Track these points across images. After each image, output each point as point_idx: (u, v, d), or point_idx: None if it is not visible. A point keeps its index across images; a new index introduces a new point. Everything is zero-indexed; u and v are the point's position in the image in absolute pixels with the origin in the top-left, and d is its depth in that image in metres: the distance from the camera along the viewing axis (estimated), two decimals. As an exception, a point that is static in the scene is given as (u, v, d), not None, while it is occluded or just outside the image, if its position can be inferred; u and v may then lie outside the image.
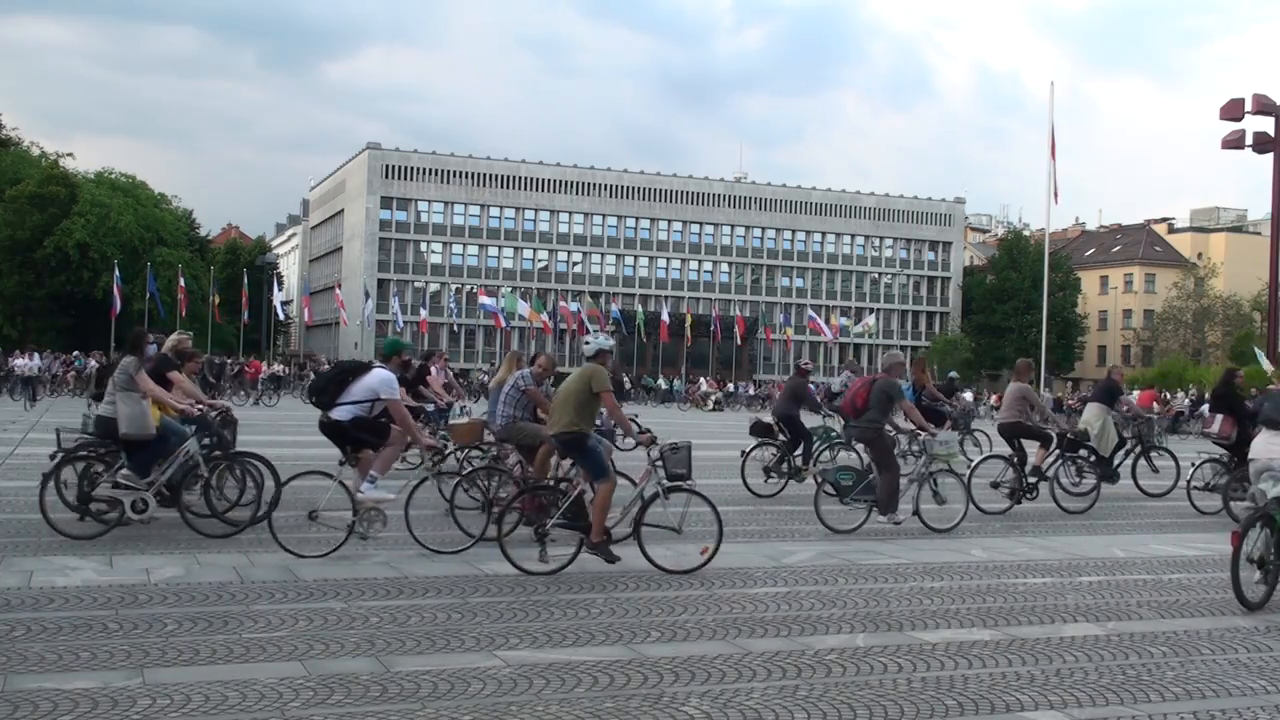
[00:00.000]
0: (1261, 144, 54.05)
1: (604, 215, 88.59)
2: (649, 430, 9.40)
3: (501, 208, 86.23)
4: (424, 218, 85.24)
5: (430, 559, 8.99)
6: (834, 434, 16.31)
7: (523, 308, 72.21)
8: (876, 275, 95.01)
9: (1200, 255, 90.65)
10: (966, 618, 7.51)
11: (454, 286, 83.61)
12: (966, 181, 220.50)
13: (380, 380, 9.52)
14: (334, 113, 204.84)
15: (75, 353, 48.50)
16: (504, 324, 73.65)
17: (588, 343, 9.42)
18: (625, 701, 5.38)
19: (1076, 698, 5.70)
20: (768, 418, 16.01)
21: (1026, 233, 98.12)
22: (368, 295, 70.92)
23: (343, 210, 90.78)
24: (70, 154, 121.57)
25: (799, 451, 15.01)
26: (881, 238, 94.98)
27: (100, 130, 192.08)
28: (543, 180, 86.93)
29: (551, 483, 9.30)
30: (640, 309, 77.46)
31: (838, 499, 11.47)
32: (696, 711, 5.25)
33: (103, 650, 5.92)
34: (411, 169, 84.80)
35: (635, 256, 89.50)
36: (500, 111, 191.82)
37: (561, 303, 78.06)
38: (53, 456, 11.16)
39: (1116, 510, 14.07)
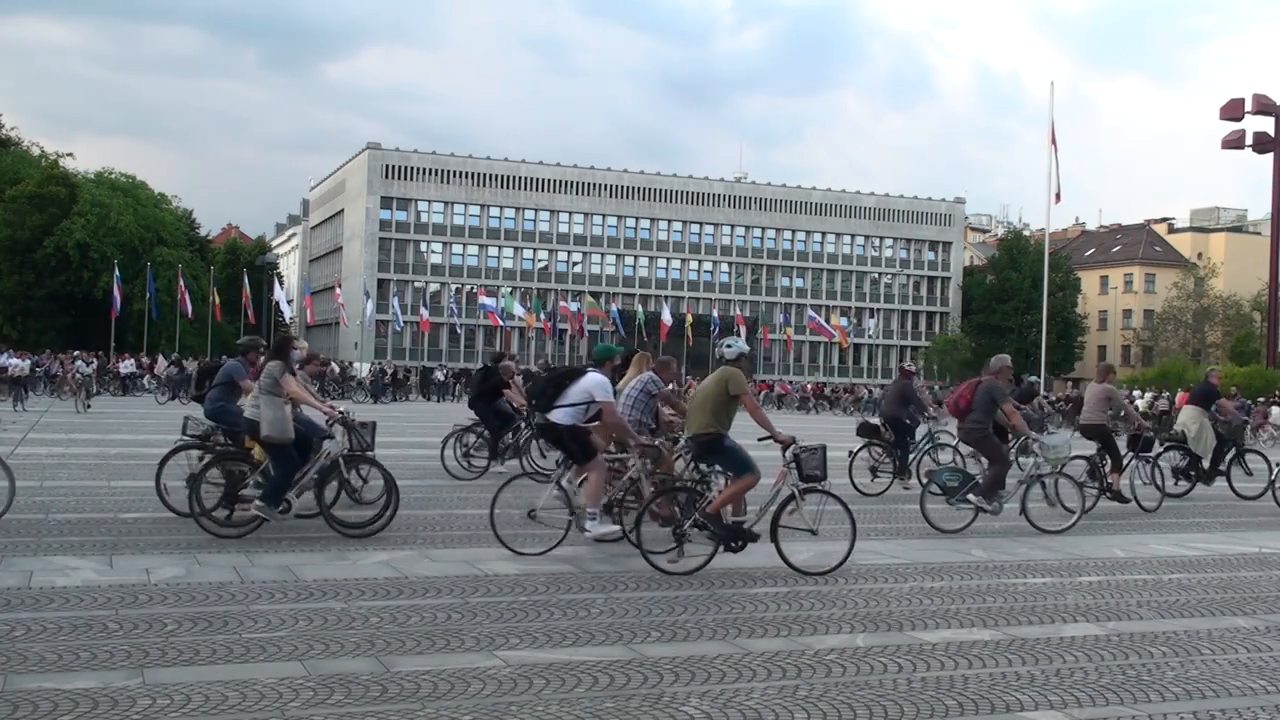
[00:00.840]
0: (1261, 144, 54.00)
1: (604, 215, 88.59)
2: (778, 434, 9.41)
3: (501, 208, 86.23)
4: (424, 218, 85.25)
5: (431, 559, 8.99)
6: (939, 436, 16.86)
7: (519, 310, 72.20)
8: (876, 275, 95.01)
9: (1200, 255, 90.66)
10: (966, 618, 7.51)
11: (454, 286, 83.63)
12: (966, 181, 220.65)
13: (595, 383, 9.75)
14: (334, 113, 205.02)
15: (76, 352, 48.48)
16: (501, 323, 73.65)
17: (729, 345, 9.51)
18: (625, 701, 5.38)
19: (1076, 698, 5.70)
20: (874, 419, 16.71)
21: (1026, 233, 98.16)
22: (368, 295, 70.91)
23: (343, 210, 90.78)
24: (70, 154, 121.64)
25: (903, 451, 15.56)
26: (881, 238, 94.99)
27: (100, 130, 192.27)
28: (543, 180, 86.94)
29: (691, 484, 9.44)
30: (640, 309, 77.48)
31: (944, 499, 11.68)
32: (696, 711, 5.25)
33: (103, 650, 5.92)
34: (411, 169, 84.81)
35: (635, 256, 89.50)
36: (500, 111, 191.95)
37: (562, 303, 78.12)
38: (171, 453, 11.46)
39: (1117, 510, 14.06)
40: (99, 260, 66.35)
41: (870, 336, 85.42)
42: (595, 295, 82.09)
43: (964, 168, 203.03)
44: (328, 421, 10.62)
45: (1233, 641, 7.10)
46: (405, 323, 77.93)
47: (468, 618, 6.97)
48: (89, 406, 31.52)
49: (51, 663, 5.68)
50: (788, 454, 9.06)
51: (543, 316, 77.48)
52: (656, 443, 10.46)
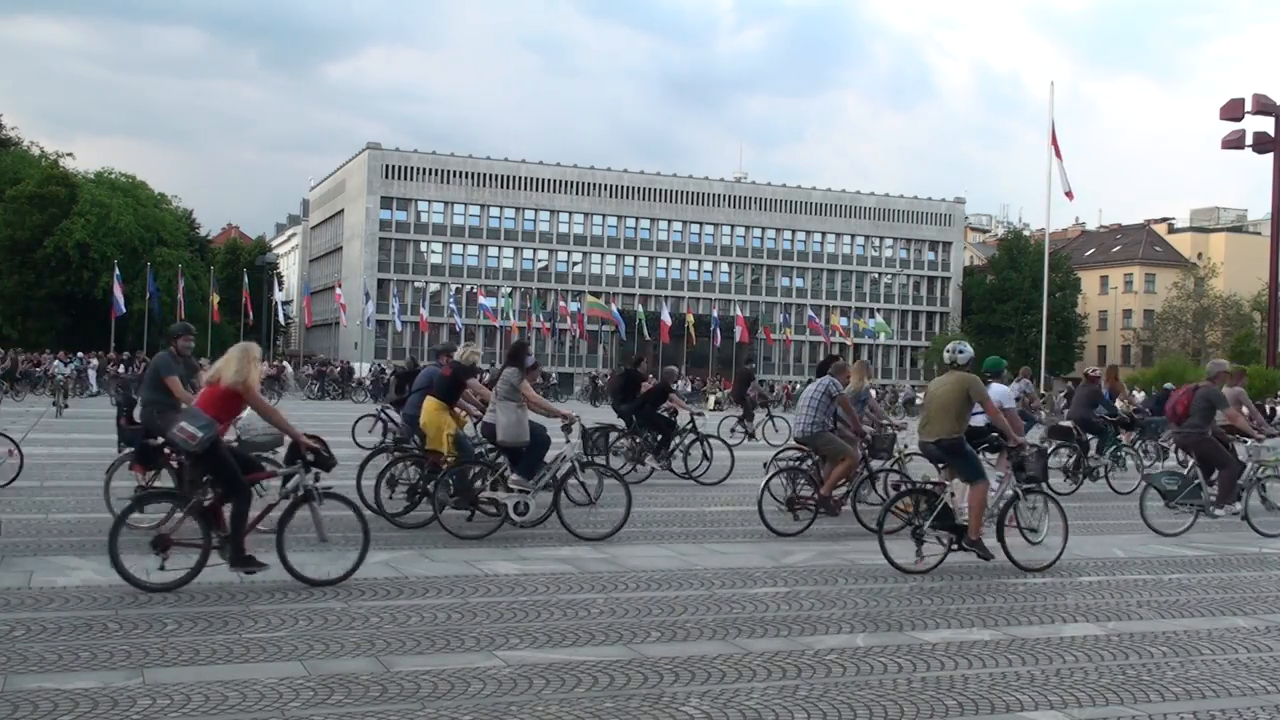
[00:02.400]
0: (1261, 144, 54.00)
1: (604, 215, 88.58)
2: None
3: (501, 208, 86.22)
4: (424, 218, 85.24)
5: (430, 559, 8.98)
6: (1122, 440, 17.40)
7: (515, 312, 72.21)
8: (876, 275, 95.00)
9: (1200, 255, 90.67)
10: (966, 618, 7.50)
11: (454, 286, 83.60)
12: (966, 181, 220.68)
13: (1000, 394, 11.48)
14: (335, 113, 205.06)
15: (49, 352, 48.62)
16: (498, 321, 73.69)
17: (961, 351, 9.74)
18: (625, 701, 5.37)
19: (1076, 698, 5.70)
20: (1065, 422, 17.32)
21: (1026, 233, 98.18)
22: (368, 295, 70.89)
23: (343, 210, 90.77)
24: (70, 154, 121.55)
25: (1093, 452, 16.26)
26: (881, 238, 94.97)
27: (101, 130, 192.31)
28: (543, 180, 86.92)
29: (930, 485, 9.64)
30: (640, 309, 77.44)
31: (1164, 503, 11.97)
32: (696, 711, 5.25)
33: (103, 650, 5.92)
34: (411, 169, 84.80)
35: (635, 256, 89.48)
36: (501, 111, 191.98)
37: (561, 303, 78.10)
38: (378, 453, 11.82)
39: (1116, 510, 14.06)
40: (99, 260, 66.28)
41: (877, 337, 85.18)
42: (596, 294, 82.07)
43: (964, 168, 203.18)
44: (563, 426, 10.95)
45: (1233, 641, 7.10)
46: (405, 323, 77.90)
47: (468, 618, 6.97)
48: (66, 406, 30.08)
49: (51, 663, 5.67)
50: (1011, 457, 9.74)
51: (542, 317, 77.47)
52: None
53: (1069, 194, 40.98)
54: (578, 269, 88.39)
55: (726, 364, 79.54)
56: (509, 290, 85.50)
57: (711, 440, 16.34)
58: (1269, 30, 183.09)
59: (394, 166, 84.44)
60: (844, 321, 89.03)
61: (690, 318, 76.66)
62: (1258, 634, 7.37)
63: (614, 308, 74.98)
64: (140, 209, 71.56)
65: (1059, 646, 6.77)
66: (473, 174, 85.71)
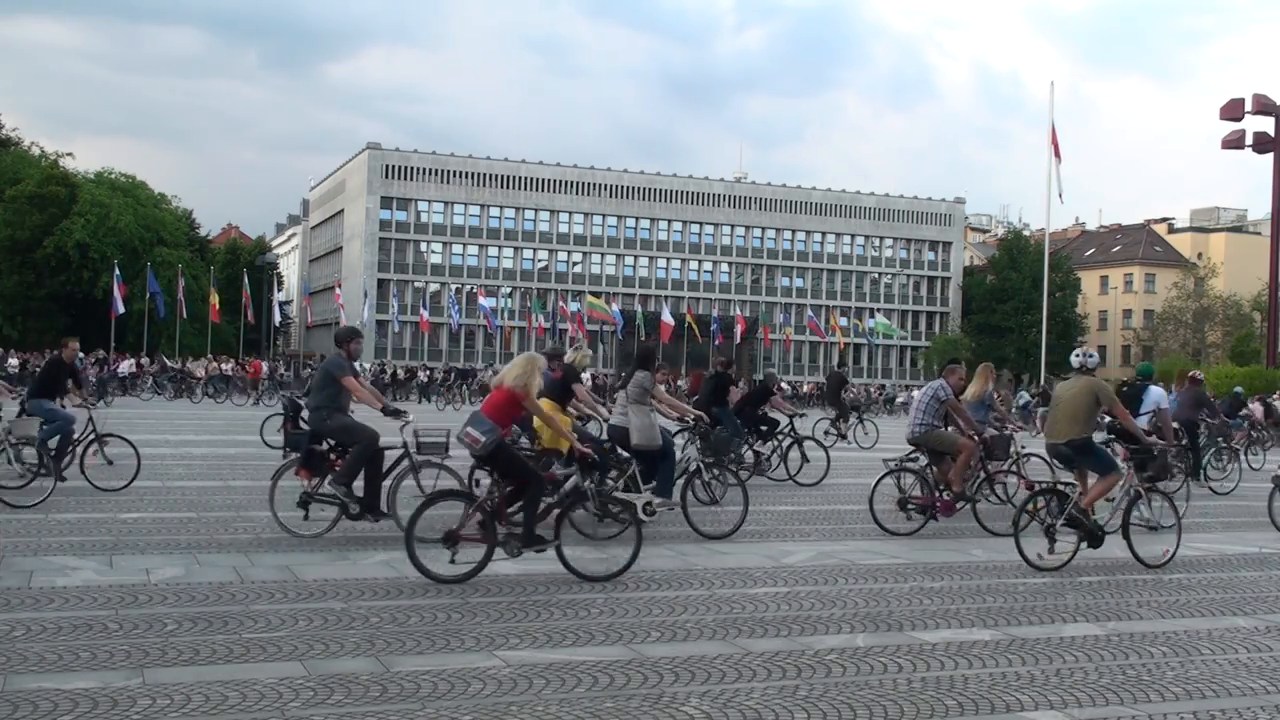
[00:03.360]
0: (1261, 144, 53.97)
1: (604, 215, 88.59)
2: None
3: (501, 208, 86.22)
4: (424, 218, 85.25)
5: (430, 559, 8.97)
6: (1221, 441, 17.75)
7: (513, 312, 72.28)
8: (876, 275, 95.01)
9: (1200, 255, 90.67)
10: (966, 618, 7.50)
11: (454, 286, 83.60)
12: (966, 181, 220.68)
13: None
14: (335, 113, 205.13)
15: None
16: (492, 324, 73.73)
17: (1090, 356, 10.29)
18: (625, 701, 5.37)
19: (1076, 698, 5.70)
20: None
21: (1026, 233, 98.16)
22: (367, 295, 70.89)
23: (343, 210, 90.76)
24: (70, 154, 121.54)
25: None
26: (881, 238, 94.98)
27: (101, 130, 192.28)
28: (543, 180, 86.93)
29: (1062, 486, 9.98)
30: (640, 309, 77.44)
31: None
32: (696, 711, 5.25)
33: (103, 650, 5.92)
34: (411, 169, 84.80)
35: (635, 256, 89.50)
36: (502, 112, 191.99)
37: (561, 303, 78.09)
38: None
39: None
40: (99, 260, 66.28)
41: (882, 336, 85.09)
42: (596, 295, 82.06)
43: (964, 168, 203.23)
44: (692, 426, 11.32)
45: (1233, 641, 7.10)
46: (405, 323, 77.93)
47: (468, 618, 6.97)
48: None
49: (51, 663, 5.67)
50: (1138, 457, 10.16)
51: (541, 318, 77.48)
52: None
53: (1060, 197, 41.28)
54: (578, 269, 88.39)
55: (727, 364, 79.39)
56: (509, 290, 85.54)
57: (806, 442, 16.63)
58: (1269, 30, 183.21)
59: (394, 166, 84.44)
60: (844, 321, 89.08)
61: (690, 318, 76.66)
62: (1258, 634, 7.37)
63: (615, 307, 75.00)
64: (140, 209, 71.56)
65: (1059, 646, 6.77)
66: (473, 174, 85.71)
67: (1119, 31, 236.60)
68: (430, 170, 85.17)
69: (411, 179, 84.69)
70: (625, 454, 10.90)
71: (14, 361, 42.25)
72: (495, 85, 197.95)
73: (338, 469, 9.75)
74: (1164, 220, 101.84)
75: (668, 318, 71.66)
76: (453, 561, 7.99)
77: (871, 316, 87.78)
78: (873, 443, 24.85)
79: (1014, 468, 12.58)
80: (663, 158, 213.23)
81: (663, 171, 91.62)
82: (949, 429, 11.92)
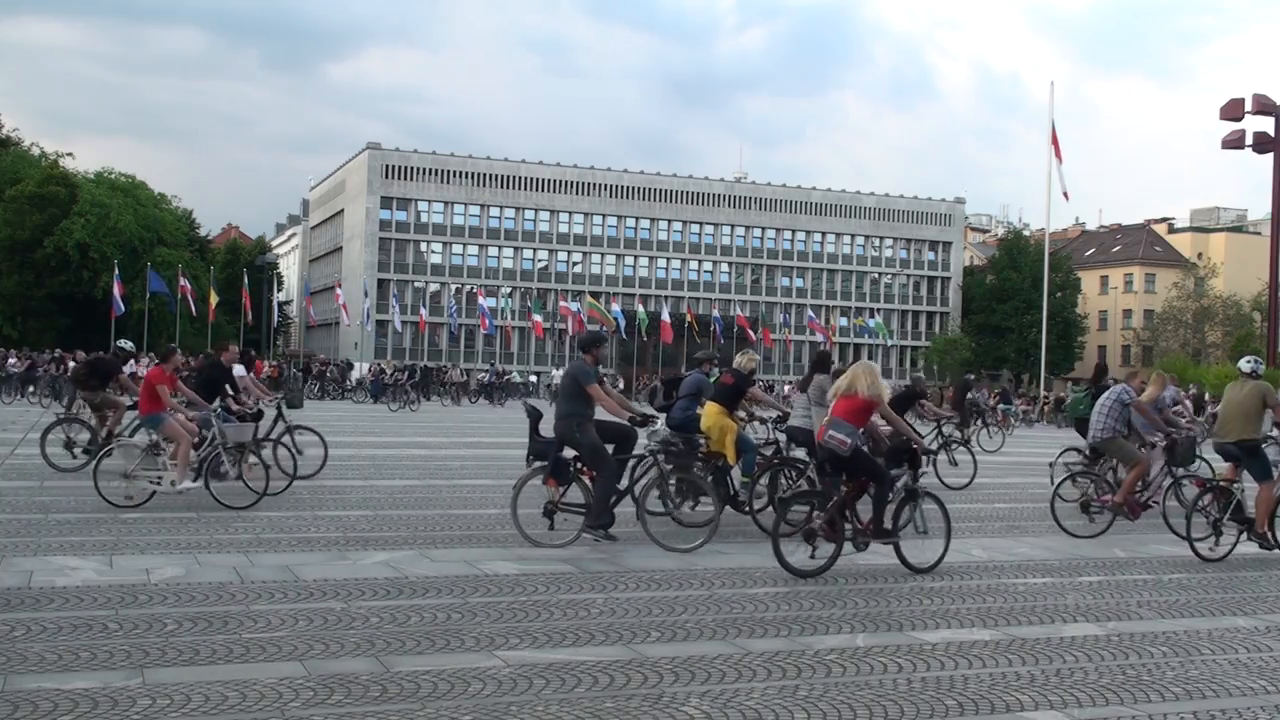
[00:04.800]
0: (1261, 144, 53.94)
1: (604, 215, 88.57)
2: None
3: (501, 208, 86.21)
4: (424, 218, 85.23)
5: (430, 559, 8.98)
6: None
7: (513, 312, 72.14)
8: (876, 275, 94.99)
9: (1200, 255, 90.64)
10: (966, 618, 7.50)
11: (454, 286, 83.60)
12: (966, 181, 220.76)
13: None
14: (336, 113, 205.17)
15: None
16: (488, 325, 73.72)
17: (1259, 362, 11.12)
18: (625, 701, 5.37)
19: (1076, 698, 5.70)
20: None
21: (1026, 233, 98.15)
22: (367, 295, 70.87)
23: (343, 210, 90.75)
24: (70, 154, 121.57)
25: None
26: (881, 238, 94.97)
27: (102, 130, 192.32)
28: (543, 180, 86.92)
29: (1222, 483, 10.64)
30: (640, 309, 77.42)
31: None
32: (696, 711, 5.25)
33: (103, 650, 5.92)
34: (411, 169, 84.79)
35: (635, 256, 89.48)
36: (502, 112, 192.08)
37: (562, 303, 78.06)
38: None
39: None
40: (99, 260, 66.23)
41: (878, 336, 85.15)
42: (596, 295, 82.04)
43: (964, 168, 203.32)
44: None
45: (1233, 641, 7.10)
46: (405, 323, 77.88)
47: (468, 618, 6.97)
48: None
49: (51, 663, 5.67)
50: None
51: (539, 319, 77.44)
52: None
53: (1065, 195, 41.28)
54: (578, 269, 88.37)
55: (726, 364, 79.32)
56: (509, 290, 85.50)
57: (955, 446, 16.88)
58: (1269, 30, 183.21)
59: (394, 166, 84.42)
60: (844, 321, 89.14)
61: (690, 318, 76.65)
62: (1258, 634, 7.37)
63: (615, 307, 74.95)
64: (140, 209, 71.49)
65: (1059, 646, 6.76)
66: (473, 174, 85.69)
67: (1119, 31, 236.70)
68: (430, 170, 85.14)
69: (411, 179, 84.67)
70: (803, 455, 11.50)
71: (14, 361, 42.18)
72: (495, 85, 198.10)
73: (590, 482, 9.75)
74: (1164, 220, 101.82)
75: (668, 318, 71.68)
76: (812, 556, 8.70)
77: (871, 317, 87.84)
78: (997, 447, 24.97)
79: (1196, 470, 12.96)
80: (663, 158, 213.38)
81: (663, 171, 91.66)
82: (1130, 436, 12.39)
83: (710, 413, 11.39)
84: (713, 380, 12.69)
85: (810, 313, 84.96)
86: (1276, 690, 6.03)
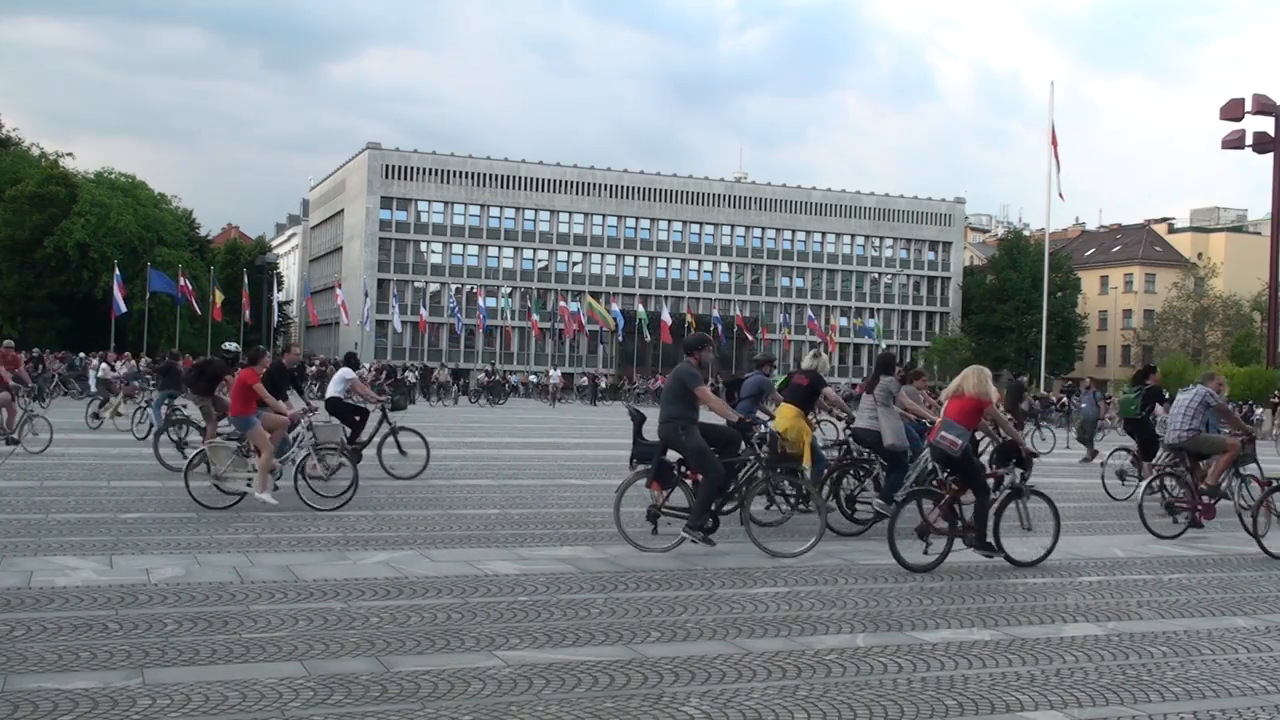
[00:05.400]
0: (1261, 144, 53.93)
1: (604, 215, 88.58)
2: None
3: (501, 208, 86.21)
4: (424, 218, 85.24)
5: (430, 559, 8.98)
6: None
7: (513, 311, 72.16)
8: (876, 275, 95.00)
9: (1200, 255, 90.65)
10: (966, 618, 7.50)
11: (454, 286, 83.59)
12: (966, 181, 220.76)
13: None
14: (336, 113, 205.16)
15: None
16: (483, 325, 73.71)
17: None
18: (625, 701, 5.37)
19: (1076, 698, 5.70)
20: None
21: (1026, 233, 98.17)
22: (367, 295, 70.86)
23: (343, 210, 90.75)
24: (70, 154, 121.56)
25: None
26: (881, 238, 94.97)
27: (102, 130, 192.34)
28: (543, 180, 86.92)
29: None
30: (640, 309, 77.42)
31: None
32: (696, 711, 5.25)
33: (103, 650, 5.92)
34: (411, 169, 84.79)
35: (635, 256, 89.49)
36: (503, 112, 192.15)
37: (561, 303, 78.05)
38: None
39: (1116, 510, 14.07)
40: (99, 260, 66.24)
41: (875, 336, 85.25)
42: (596, 296, 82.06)
43: (964, 168, 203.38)
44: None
45: (1233, 641, 7.10)
46: (405, 323, 77.85)
47: (468, 618, 6.97)
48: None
49: (51, 663, 5.67)
50: None
51: (537, 318, 77.45)
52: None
53: (1060, 195, 41.42)
54: (578, 269, 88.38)
55: (725, 364, 79.51)
56: (509, 290, 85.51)
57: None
58: (1269, 30, 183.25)
59: (394, 166, 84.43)
60: (844, 321, 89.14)
61: (690, 318, 76.61)
62: (1258, 634, 7.37)
63: (615, 307, 74.94)
64: (140, 209, 71.52)
65: (1059, 646, 6.76)
66: (473, 174, 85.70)
67: (1119, 31, 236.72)
68: (430, 170, 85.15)
69: (411, 179, 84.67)
70: (867, 455, 11.69)
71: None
72: (496, 85, 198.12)
73: (694, 485, 9.67)
74: (1164, 220, 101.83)
75: (667, 318, 71.65)
76: (925, 552, 9.12)
77: (871, 317, 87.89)
78: (1050, 448, 25.06)
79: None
80: (663, 158, 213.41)
81: (663, 171, 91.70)
82: (1213, 432, 12.69)
83: (787, 415, 11.38)
84: (778, 384, 12.88)
85: (810, 313, 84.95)
86: (1276, 690, 6.03)
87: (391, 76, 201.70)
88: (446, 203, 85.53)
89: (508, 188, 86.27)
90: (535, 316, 76.23)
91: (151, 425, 18.21)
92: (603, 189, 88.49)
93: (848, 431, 12.38)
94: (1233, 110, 52.97)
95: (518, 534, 10.52)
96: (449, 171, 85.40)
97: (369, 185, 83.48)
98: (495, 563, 8.88)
